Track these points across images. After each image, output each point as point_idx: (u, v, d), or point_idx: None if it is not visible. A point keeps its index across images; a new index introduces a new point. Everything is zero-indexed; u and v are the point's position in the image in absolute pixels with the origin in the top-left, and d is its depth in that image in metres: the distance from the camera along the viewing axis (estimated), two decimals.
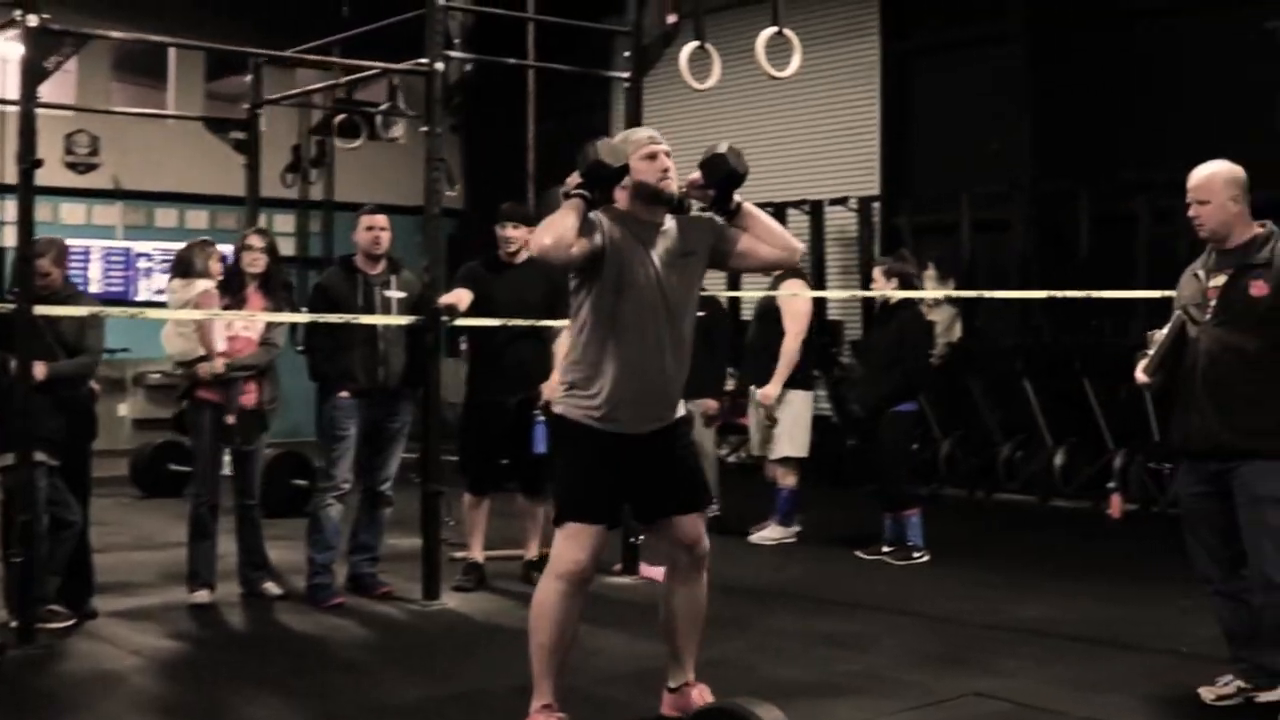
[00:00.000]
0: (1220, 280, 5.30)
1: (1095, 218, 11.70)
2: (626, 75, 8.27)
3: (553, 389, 7.98)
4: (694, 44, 7.93)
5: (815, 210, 13.65)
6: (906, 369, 8.79)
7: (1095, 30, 12.20)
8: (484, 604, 7.51)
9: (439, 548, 7.50)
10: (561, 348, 8.09)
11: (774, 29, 7.86)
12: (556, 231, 4.64)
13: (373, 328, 7.41)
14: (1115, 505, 10.90)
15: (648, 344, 4.83)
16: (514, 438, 7.89)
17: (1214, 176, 5.36)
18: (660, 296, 4.84)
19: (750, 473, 10.69)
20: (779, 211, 13.88)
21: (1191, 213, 5.40)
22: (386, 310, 7.50)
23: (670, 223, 4.93)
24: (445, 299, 7.52)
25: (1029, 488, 11.88)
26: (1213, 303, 5.30)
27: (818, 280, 13.19)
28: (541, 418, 7.87)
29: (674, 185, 4.88)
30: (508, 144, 12.15)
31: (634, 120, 8.31)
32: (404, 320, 7.47)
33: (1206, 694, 5.47)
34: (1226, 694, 5.44)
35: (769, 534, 9.45)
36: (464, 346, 8.87)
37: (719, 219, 4.99)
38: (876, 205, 13.55)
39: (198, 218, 15.84)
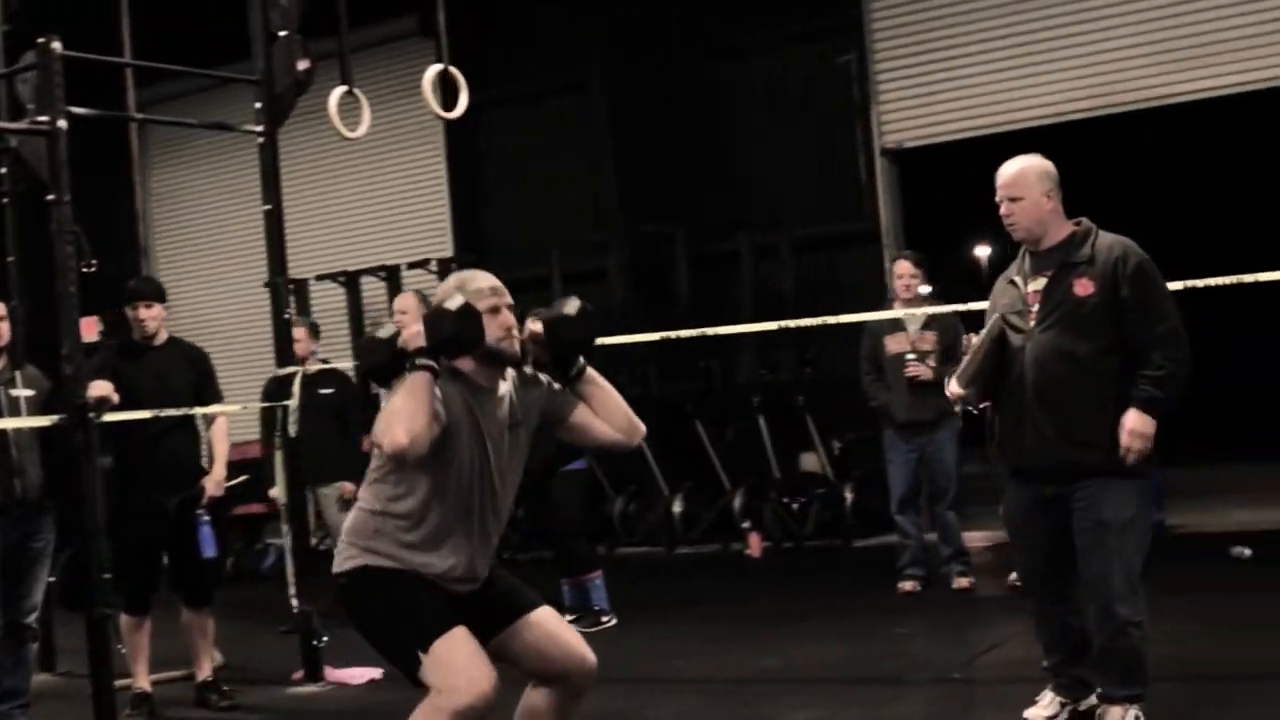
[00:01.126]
0: (1040, 283, 5.00)
1: (693, 259, 11.66)
2: (260, 129, 7.46)
3: (216, 484, 7.16)
4: (342, 89, 7.34)
5: (392, 275, 13.01)
6: None
7: (672, 72, 12.19)
8: None
9: (112, 682, 6.43)
10: (219, 435, 7.26)
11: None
12: (413, 426, 3.88)
13: (2, 434, 6.30)
14: (754, 544, 10.86)
15: (469, 516, 4.15)
16: (176, 543, 6.98)
17: (1026, 171, 5.03)
18: (486, 471, 4.18)
19: None
20: (353, 279, 13.24)
21: (1003, 211, 5.05)
22: (15, 412, 6.44)
23: (505, 387, 4.27)
24: (94, 391, 6.47)
25: (651, 539, 11.67)
26: (1035, 308, 4.99)
27: None
28: (207, 517, 7.00)
29: (517, 344, 4.23)
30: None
31: (269, 176, 7.52)
32: (39, 422, 6.39)
33: (1035, 716, 5.27)
34: (1051, 714, 5.26)
35: None
36: None
37: (555, 385, 4.38)
38: (457, 267, 13.04)
39: None
